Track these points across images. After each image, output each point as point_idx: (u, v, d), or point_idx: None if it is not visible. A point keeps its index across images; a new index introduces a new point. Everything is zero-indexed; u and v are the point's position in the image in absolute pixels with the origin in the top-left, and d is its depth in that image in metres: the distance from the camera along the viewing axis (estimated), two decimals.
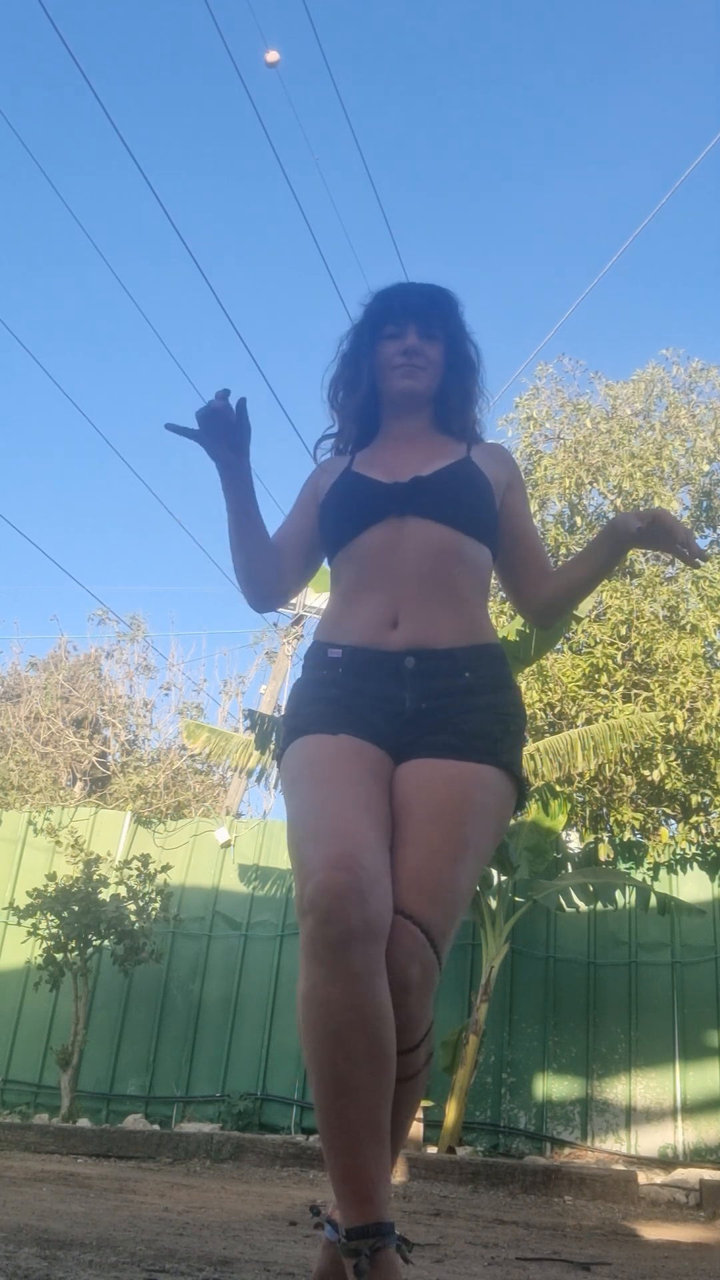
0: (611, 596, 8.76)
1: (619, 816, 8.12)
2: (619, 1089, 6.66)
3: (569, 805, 7.20)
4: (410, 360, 1.90)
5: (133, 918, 6.95)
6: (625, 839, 7.88)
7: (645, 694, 8.34)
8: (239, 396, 1.77)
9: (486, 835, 1.63)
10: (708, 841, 7.80)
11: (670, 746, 8.02)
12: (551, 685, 8.33)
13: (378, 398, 1.96)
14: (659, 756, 7.88)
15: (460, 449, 1.90)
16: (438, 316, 1.93)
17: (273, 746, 6.58)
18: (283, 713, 1.82)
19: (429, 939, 1.49)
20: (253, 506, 1.86)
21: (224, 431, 1.78)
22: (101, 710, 15.18)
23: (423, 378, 1.91)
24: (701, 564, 1.78)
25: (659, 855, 7.24)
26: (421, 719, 1.67)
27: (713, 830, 8.36)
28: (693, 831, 8.01)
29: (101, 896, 7.03)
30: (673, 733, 7.92)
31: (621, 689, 8.46)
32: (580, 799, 8.27)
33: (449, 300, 1.95)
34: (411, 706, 1.68)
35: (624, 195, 32.20)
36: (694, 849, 7.31)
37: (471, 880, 1.60)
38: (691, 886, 7.10)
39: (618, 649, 8.58)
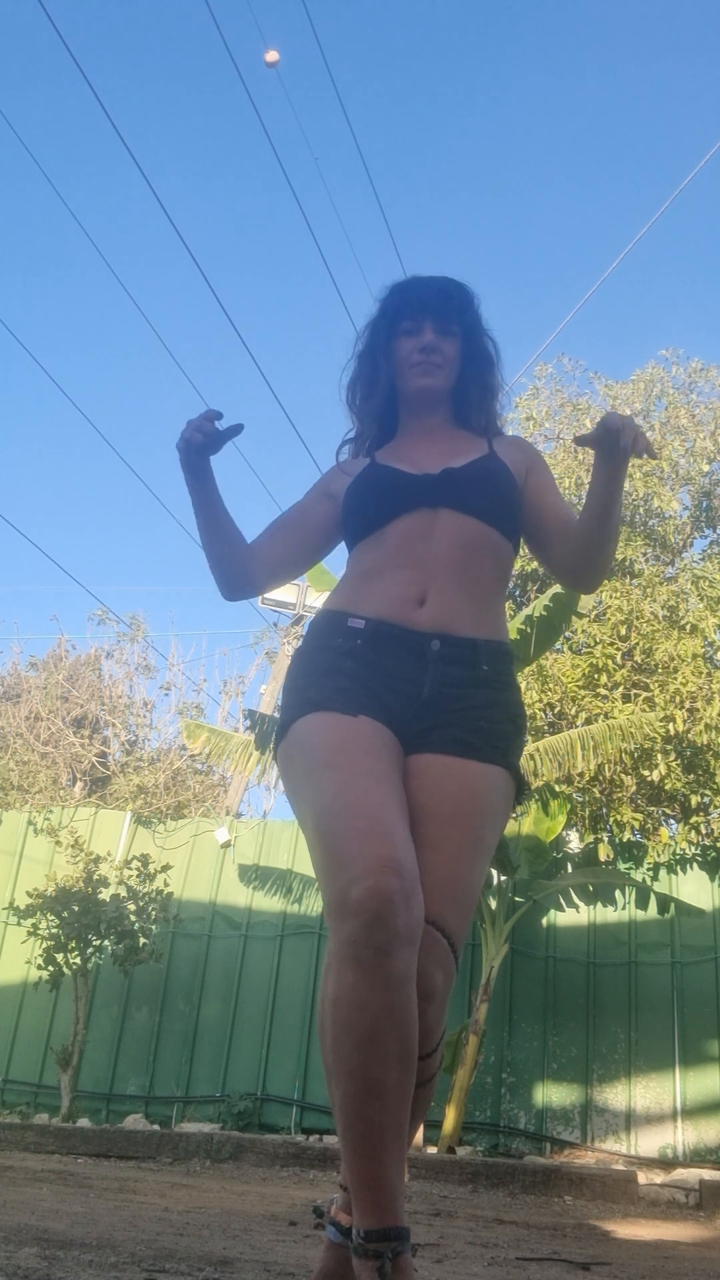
0: (611, 597, 8.75)
1: (619, 816, 8.12)
2: (619, 1089, 6.66)
3: (569, 805, 7.20)
4: (427, 358, 1.88)
5: (133, 918, 6.95)
6: (625, 839, 7.88)
7: (645, 694, 8.34)
8: (232, 422, 1.74)
9: (495, 835, 1.64)
10: (708, 842, 7.79)
11: (670, 746, 8.02)
12: (551, 685, 8.33)
13: (396, 396, 1.94)
14: (659, 756, 7.88)
15: (482, 444, 1.90)
16: (454, 311, 1.90)
17: (273, 747, 6.57)
18: (286, 678, 1.75)
19: (450, 944, 1.52)
20: (219, 504, 1.83)
21: (204, 446, 1.76)
22: (101, 710, 15.18)
23: (440, 375, 1.90)
24: (656, 457, 1.74)
25: (659, 855, 7.24)
26: (436, 706, 1.65)
27: (713, 830, 8.36)
28: (693, 832, 8.01)
29: (101, 897, 7.03)
30: (673, 733, 7.91)
31: (621, 689, 8.46)
32: (580, 799, 8.26)
33: (464, 293, 1.93)
34: (429, 692, 1.66)
35: (625, 196, 32.21)
36: (694, 849, 7.31)
37: (482, 879, 1.63)
38: (691, 886, 7.10)
39: (618, 649, 8.58)
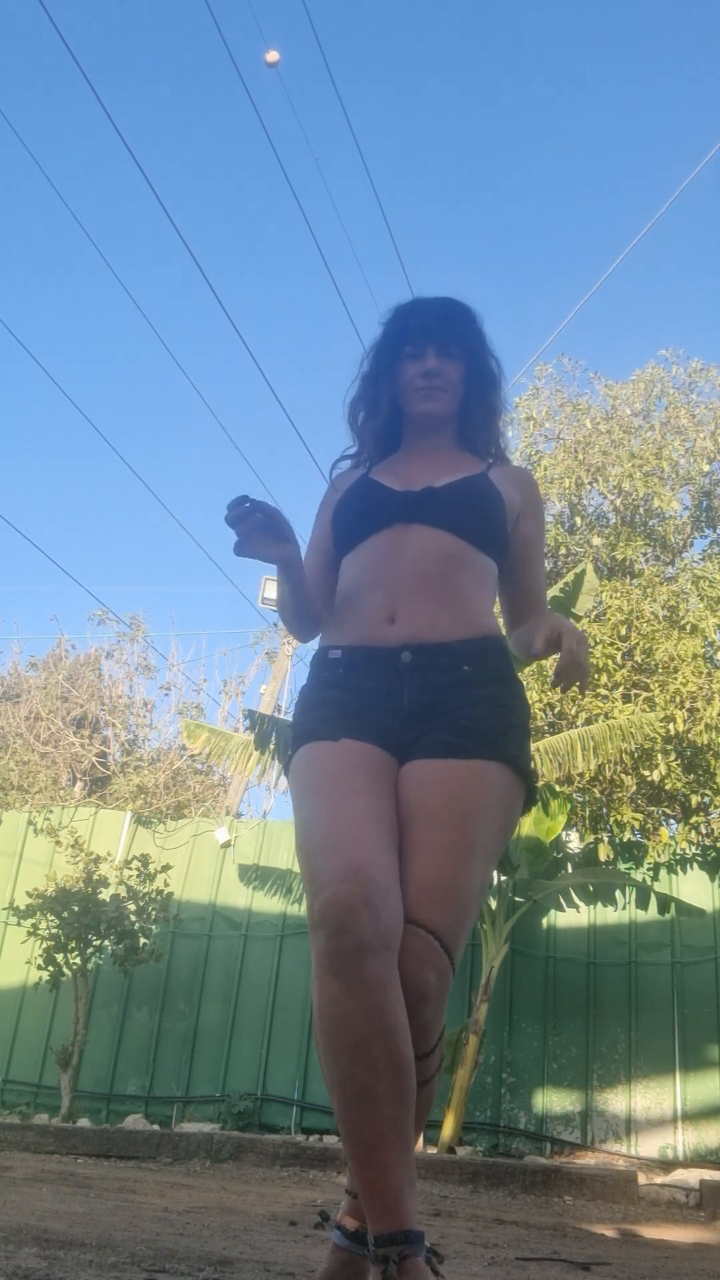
0: (611, 597, 8.75)
1: (619, 817, 8.11)
2: (619, 1089, 6.66)
3: (569, 805, 7.19)
4: (430, 383, 1.90)
5: (133, 918, 6.95)
6: (625, 839, 7.87)
7: (645, 694, 8.34)
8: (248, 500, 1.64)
9: (493, 833, 1.62)
10: (708, 841, 7.79)
11: (670, 746, 8.01)
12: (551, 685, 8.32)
13: (400, 418, 1.97)
14: (659, 756, 7.87)
15: (479, 466, 1.92)
16: (455, 334, 1.92)
17: (272, 747, 6.58)
18: (291, 716, 1.84)
19: (442, 945, 1.51)
20: (304, 579, 1.81)
21: (266, 529, 1.66)
22: (101, 710, 15.17)
23: (443, 399, 1.92)
24: (572, 690, 1.78)
25: (659, 855, 7.24)
26: (421, 714, 1.67)
27: (713, 830, 8.35)
28: (693, 832, 8.00)
29: (101, 897, 7.03)
30: (673, 733, 7.91)
31: (621, 689, 8.45)
32: (580, 799, 8.26)
33: (466, 315, 1.94)
34: (410, 701, 1.68)
35: (626, 196, 32.19)
36: (694, 849, 7.31)
37: (482, 881, 1.61)
38: (691, 886, 7.10)
39: (618, 649, 8.57)
